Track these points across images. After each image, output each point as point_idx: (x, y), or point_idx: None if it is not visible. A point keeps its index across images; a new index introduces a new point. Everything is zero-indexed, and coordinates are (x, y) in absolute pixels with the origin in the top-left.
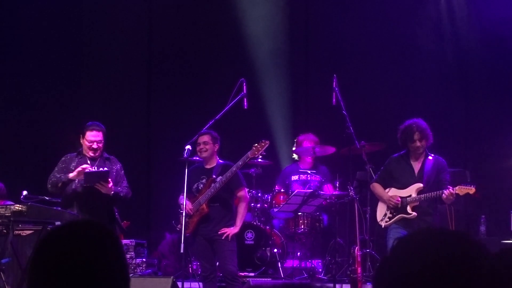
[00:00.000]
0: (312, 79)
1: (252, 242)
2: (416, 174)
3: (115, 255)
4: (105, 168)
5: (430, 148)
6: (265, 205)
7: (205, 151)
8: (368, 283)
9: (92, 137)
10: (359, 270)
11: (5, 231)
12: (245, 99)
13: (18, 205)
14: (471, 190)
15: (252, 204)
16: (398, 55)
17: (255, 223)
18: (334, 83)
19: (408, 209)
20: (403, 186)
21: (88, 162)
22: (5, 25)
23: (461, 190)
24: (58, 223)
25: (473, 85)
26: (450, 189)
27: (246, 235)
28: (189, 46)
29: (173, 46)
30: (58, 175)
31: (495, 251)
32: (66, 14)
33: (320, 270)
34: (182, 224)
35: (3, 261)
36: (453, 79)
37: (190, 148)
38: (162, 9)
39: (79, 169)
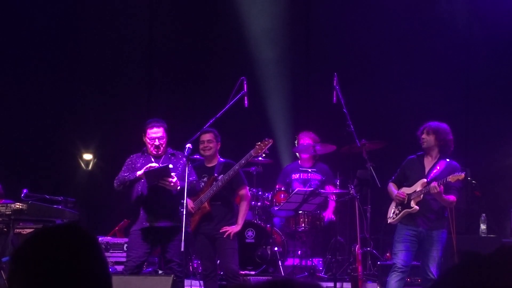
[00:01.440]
0: (312, 77)
1: (253, 241)
2: (426, 173)
3: (93, 258)
4: (169, 165)
5: (448, 154)
6: (266, 202)
7: (209, 149)
8: (368, 282)
9: (153, 134)
10: (359, 268)
11: (5, 229)
12: (245, 97)
13: (18, 204)
14: (461, 176)
15: (253, 203)
16: (399, 54)
17: (255, 221)
18: (335, 81)
19: (412, 203)
20: (412, 184)
21: (152, 160)
22: (6, 25)
23: (452, 178)
24: (58, 221)
25: (475, 84)
26: (435, 183)
27: (247, 233)
28: (190, 44)
29: (173, 45)
30: (126, 174)
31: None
32: (67, 12)
33: (321, 268)
34: (183, 223)
35: (3, 259)
36: (454, 78)
37: (191, 147)
38: (162, 7)
39: (146, 167)
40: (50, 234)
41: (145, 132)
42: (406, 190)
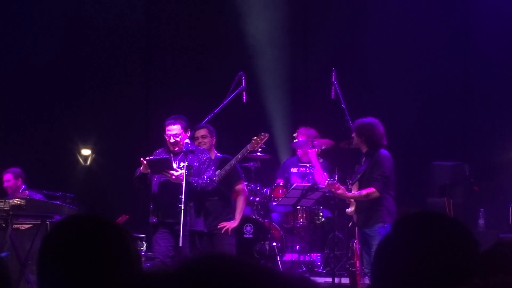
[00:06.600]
0: (311, 72)
1: (251, 236)
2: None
3: (121, 248)
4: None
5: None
6: (265, 198)
7: (204, 144)
8: (366, 277)
9: (168, 132)
10: (357, 263)
11: (4, 225)
12: (244, 93)
13: (17, 199)
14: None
15: (251, 198)
16: (398, 49)
17: (254, 216)
18: (333, 76)
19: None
20: None
21: (171, 155)
22: (5, 20)
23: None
24: (57, 216)
25: (474, 79)
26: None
27: (245, 228)
28: (188, 39)
29: (171, 40)
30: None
31: (492, 244)
32: (65, 7)
33: (319, 263)
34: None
35: (2, 255)
36: (453, 73)
37: (189, 142)
38: (160, 2)
39: (142, 161)
40: (80, 221)
41: (164, 129)
42: None
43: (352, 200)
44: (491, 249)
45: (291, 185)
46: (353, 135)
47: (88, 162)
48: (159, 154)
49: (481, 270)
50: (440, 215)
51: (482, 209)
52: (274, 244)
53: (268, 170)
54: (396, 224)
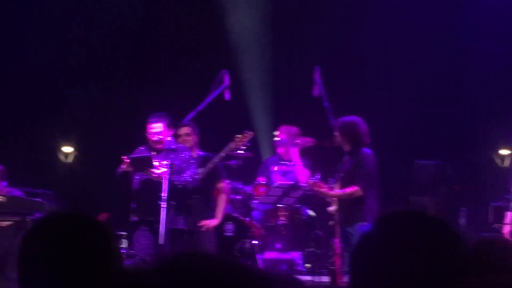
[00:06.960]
0: (294, 70)
1: (232, 234)
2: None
3: (103, 246)
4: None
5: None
6: (246, 196)
7: (187, 142)
8: (347, 275)
9: (151, 129)
10: (338, 262)
11: None
12: (226, 90)
13: None
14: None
15: (233, 196)
16: (383, 49)
17: (235, 215)
18: (317, 74)
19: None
20: None
21: (153, 153)
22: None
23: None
24: (37, 214)
25: (456, 80)
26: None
27: (226, 226)
28: (171, 37)
29: (154, 38)
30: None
31: (473, 243)
32: (53, 4)
33: (300, 262)
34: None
35: None
36: (436, 74)
37: (172, 140)
38: (146, 1)
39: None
40: (60, 219)
41: (146, 127)
42: None
43: (334, 198)
44: (474, 248)
45: (273, 183)
46: (336, 133)
47: (69, 159)
48: (140, 152)
49: (466, 270)
50: (424, 214)
51: (463, 209)
52: (255, 242)
53: (249, 168)
54: (378, 222)
